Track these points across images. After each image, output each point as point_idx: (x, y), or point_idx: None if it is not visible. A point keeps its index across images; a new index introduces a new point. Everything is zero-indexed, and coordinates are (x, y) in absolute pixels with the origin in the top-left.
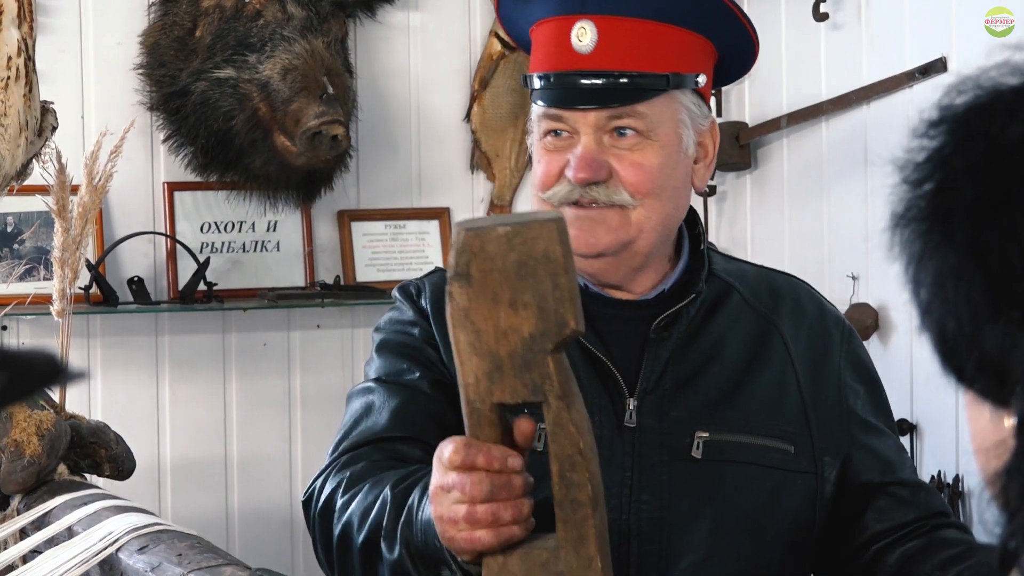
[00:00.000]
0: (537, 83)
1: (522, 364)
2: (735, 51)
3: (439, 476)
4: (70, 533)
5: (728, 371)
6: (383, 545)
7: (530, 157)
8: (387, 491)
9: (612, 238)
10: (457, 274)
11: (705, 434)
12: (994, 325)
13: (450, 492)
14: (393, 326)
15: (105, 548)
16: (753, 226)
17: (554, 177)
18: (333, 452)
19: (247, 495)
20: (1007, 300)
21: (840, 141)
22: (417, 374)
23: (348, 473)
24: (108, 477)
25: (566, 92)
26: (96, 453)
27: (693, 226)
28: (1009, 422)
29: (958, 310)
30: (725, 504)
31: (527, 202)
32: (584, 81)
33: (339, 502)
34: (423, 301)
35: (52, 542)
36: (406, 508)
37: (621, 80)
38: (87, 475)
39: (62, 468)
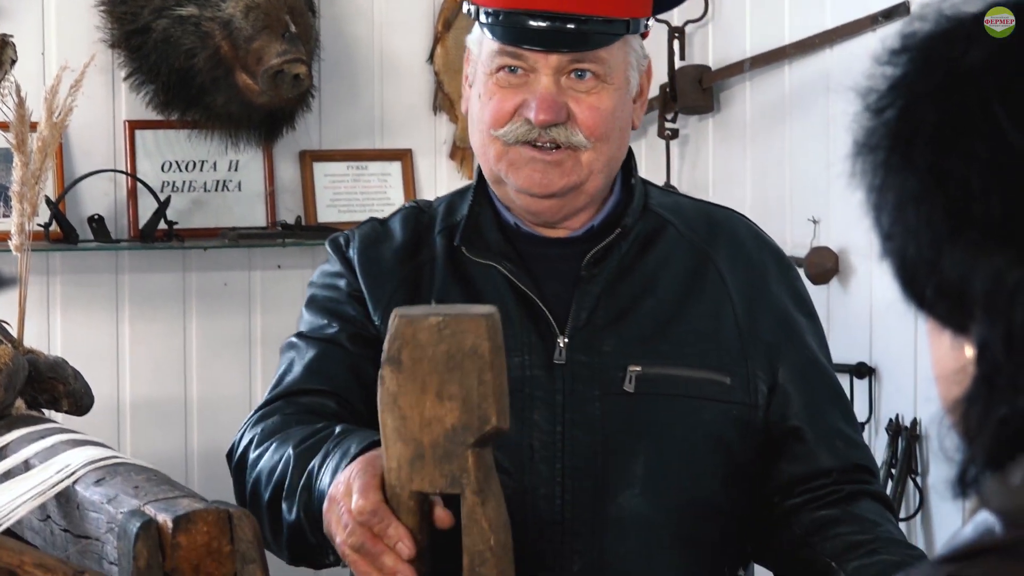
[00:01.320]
0: (491, 16)
1: (443, 455)
2: None
3: (343, 500)
4: (27, 466)
5: (662, 305)
6: (283, 505)
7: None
8: (290, 450)
9: (565, 181)
10: (389, 359)
11: (637, 368)
12: (954, 248)
13: (341, 519)
14: (322, 279)
15: (62, 480)
16: (715, 170)
17: (508, 115)
18: (256, 408)
19: (206, 434)
20: (966, 223)
21: (803, 85)
22: (336, 328)
23: (261, 428)
24: (66, 413)
25: (529, 32)
26: (54, 388)
27: (626, 162)
28: (969, 349)
29: (918, 235)
30: (659, 437)
31: None
32: (549, 22)
33: (251, 457)
34: (351, 251)
35: (8, 475)
36: (306, 472)
37: (584, 25)
38: (45, 411)
39: (19, 403)
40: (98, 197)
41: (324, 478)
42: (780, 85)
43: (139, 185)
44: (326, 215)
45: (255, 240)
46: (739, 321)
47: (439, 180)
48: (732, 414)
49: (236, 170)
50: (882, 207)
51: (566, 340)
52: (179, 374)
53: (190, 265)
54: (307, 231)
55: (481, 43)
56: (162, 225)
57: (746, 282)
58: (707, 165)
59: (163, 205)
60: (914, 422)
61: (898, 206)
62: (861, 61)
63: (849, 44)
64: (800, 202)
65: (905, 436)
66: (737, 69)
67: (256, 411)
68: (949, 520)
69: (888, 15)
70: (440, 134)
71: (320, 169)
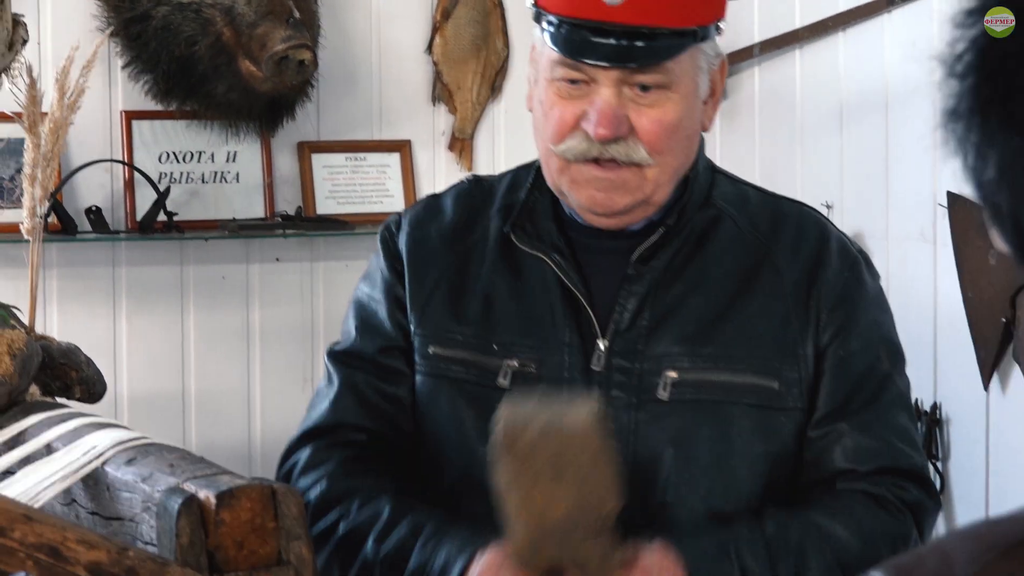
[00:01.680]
0: (553, 25)
1: (561, 539)
2: None
3: None
4: (49, 450)
5: (710, 304)
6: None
7: (492, 89)
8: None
9: (629, 199)
10: (503, 449)
11: (674, 374)
12: None
13: None
14: (366, 279)
15: (90, 462)
16: (723, 156)
17: (569, 127)
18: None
19: (205, 429)
20: None
21: (815, 69)
22: (368, 342)
23: (324, 481)
24: (79, 400)
25: (590, 45)
26: (66, 375)
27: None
28: None
29: None
30: (688, 447)
31: (489, 135)
32: (610, 37)
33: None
34: (400, 239)
35: (29, 460)
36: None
37: (651, 40)
38: (57, 398)
39: (34, 388)
40: (94, 189)
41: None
42: (791, 70)
43: (136, 177)
44: (325, 207)
45: (255, 231)
46: (792, 320)
47: (438, 171)
48: (780, 419)
49: (234, 161)
50: (984, 173)
51: (606, 343)
52: (177, 367)
53: (188, 258)
54: (308, 222)
55: (544, 46)
56: (161, 216)
57: (804, 278)
58: (714, 153)
59: (163, 196)
60: (934, 407)
61: (1003, 169)
62: (875, 45)
63: (863, 27)
64: (812, 188)
65: (925, 421)
66: (747, 54)
67: (298, 439)
68: (971, 505)
69: None
70: (439, 125)
71: (318, 160)
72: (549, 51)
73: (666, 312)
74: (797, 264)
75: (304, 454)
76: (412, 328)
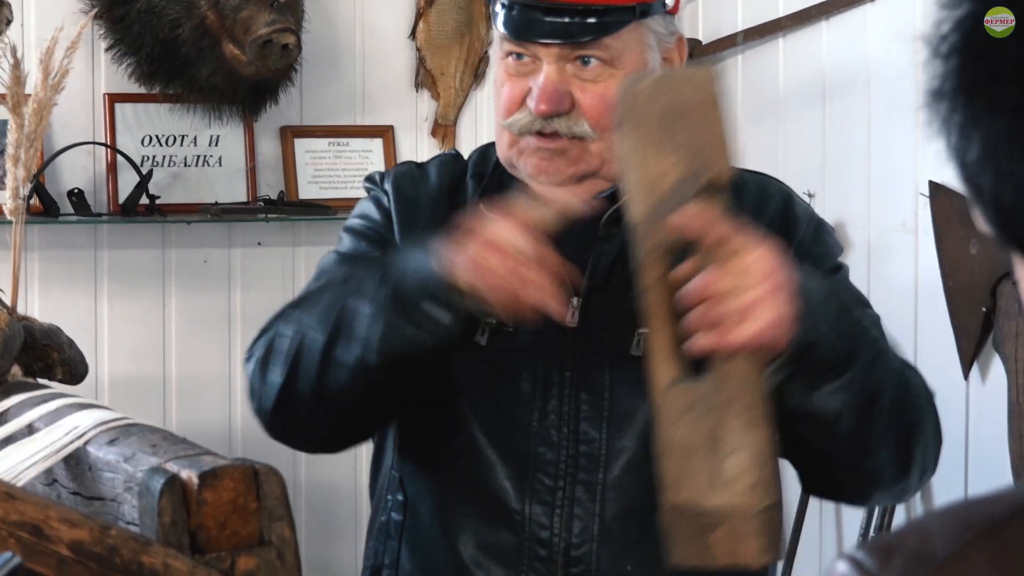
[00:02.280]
0: (504, 7)
1: (674, 207)
2: None
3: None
4: (31, 430)
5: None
6: (340, 347)
7: (475, 75)
8: (335, 291)
9: (573, 170)
10: (617, 124)
11: (646, 330)
12: None
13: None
14: (358, 212)
15: (72, 442)
16: None
17: (516, 103)
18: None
19: (185, 412)
20: None
21: (798, 58)
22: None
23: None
24: (60, 381)
25: (529, 24)
26: (48, 356)
27: None
28: None
29: (1014, 177)
30: None
31: (472, 121)
32: (549, 15)
33: (279, 327)
34: (386, 183)
35: (10, 440)
36: (377, 276)
37: (587, 17)
38: (39, 379)
39: (16, 369)
40: (77, 171)
41: (409, 262)
42: (774, 58)
43: (119, 160)
44: (307, 191)
45: (238, 215)
46: None
47: (420, 157)
48: None
49: (216, 145)
50: (967, 154)
51: (579, 300)
52: (158, 351)
53: (170, 241)
54: (290, 207)
55: (495, 33)
56: (143, 200)
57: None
58: None
59: (145, 179)
60: None
61: (987, 150)
62: (858, 34)
63: (846, 16)
64: (795, 176)
65: None
66: (730, 42)
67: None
68: (950, 495)
69: None
70: (422, 111)
71: (301, 145)
72: (496, 30)
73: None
74: (762, 222)
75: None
76: None
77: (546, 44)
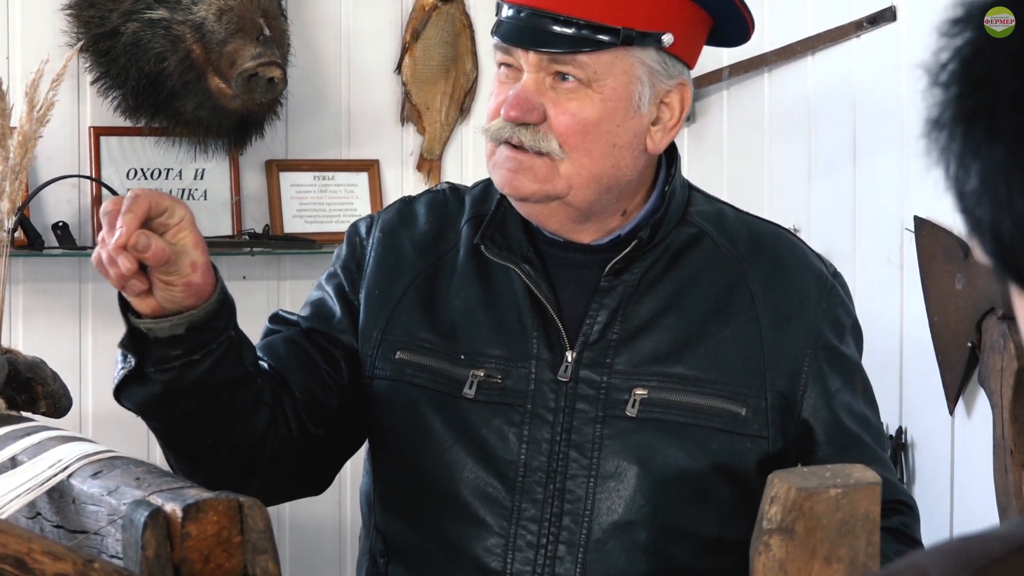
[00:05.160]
0: (497, 12)
1: None
2: (726, 15)
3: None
4: (14, 463)
5: (683, 324)
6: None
7: (461, 110)
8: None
9: (537, 187)
10: (781, 529)
11: (643, 392)
12: None
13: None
14: (332, 264)
15: (55, 475)
16: (691, 180)
17: (496, 111)
18: None
19: None
20: None
21: (783, 93)
22: (306, 322)
23: None
24: (44, 414)
25: (513, 28)
26: (32, 389)
27: (666, 167)
28: None
29: (1013, 207)
30: (653, 465)
31: (457, 156)
32: (532, 21)
33: None
34: (369, 240)
35: None
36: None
37: (566, 28)
38: (22, 412)
39: (0, 402)
40: (62, 204)
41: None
42: (759, 93)
43: (104, 193)
44: (292, 225)
45: (222, 248)
46: (765, 349)
47: (406, 191)
48: (746, 446)
49: (202, 179)
50: (966, 183)
51: (574, 355)
52: None
53: None
54: (275, 240)
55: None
56: None
57: (780, 307)
58: (684, 174)
59: None
60: (900, 431)
61: (986, 180)
62: (844, 69)
63: (832, 51)
64: (780, 211)
65: (891, 445)
66: (715, 77)
67: None
68: (936, 531)
69: (873, 21)
70: (407, 145)
71: (286, 179)
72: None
73: (637, 327)
74: (773, 292)
75: None
76: (378, 333)
77: (525, 50)
